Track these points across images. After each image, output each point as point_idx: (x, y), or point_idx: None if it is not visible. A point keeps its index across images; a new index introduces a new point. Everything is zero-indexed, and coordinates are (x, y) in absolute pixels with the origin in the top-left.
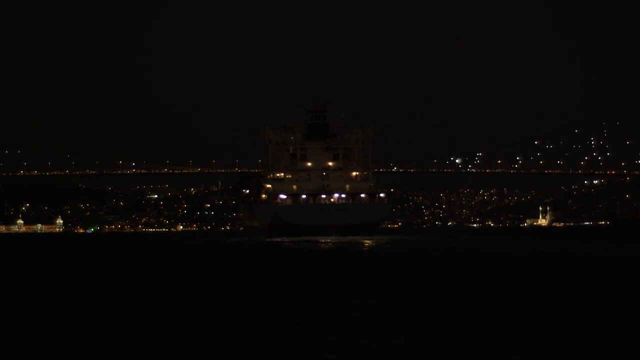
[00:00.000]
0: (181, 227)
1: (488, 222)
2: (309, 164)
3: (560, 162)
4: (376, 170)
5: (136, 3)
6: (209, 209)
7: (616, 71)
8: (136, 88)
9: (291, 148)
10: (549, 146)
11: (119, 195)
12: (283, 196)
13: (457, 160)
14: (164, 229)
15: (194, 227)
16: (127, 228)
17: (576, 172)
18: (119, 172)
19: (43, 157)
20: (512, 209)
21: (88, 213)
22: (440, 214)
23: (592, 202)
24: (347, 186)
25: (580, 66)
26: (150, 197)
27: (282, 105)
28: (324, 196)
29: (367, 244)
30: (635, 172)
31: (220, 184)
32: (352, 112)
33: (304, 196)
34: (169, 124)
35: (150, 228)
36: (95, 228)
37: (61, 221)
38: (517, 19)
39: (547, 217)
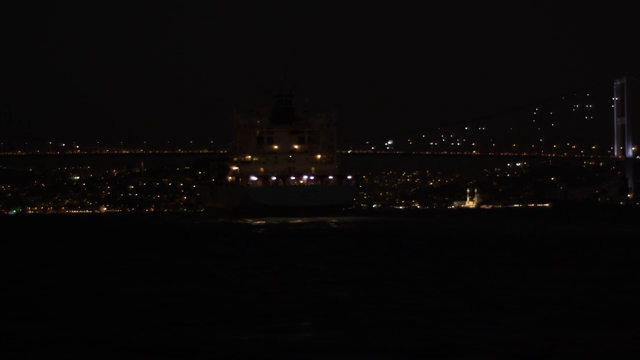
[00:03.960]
0: (105, 208)
1: (414, 204)
2: (276, 147)
3: (494, 144)
4: (340, 152)
5: None
6: (132, 191)
7: (548, 52)
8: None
9: (258, 131)
10: (480, 128)
11: (41, 177)
12: (254, 178)
13: (389, 142)
14: (87, 211)
15: (118, 209)
16: (50, 210)
17: (500, 154)
18: (56, 153)
19: None
20: (436, 191)
21: (9, 195)
22: (364, 195)
23: (517, 185)
24: (313, 169)
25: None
26: (72, 179)
27: (241, 86)
28: (293, 178)
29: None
30: (563, 154)
31: (143, 164)
32: (315, 94)
33: (273, 178)
34: (83, 105)
35: (74, 210)
36: (18, 210)
37: None
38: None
39: (475, 199)
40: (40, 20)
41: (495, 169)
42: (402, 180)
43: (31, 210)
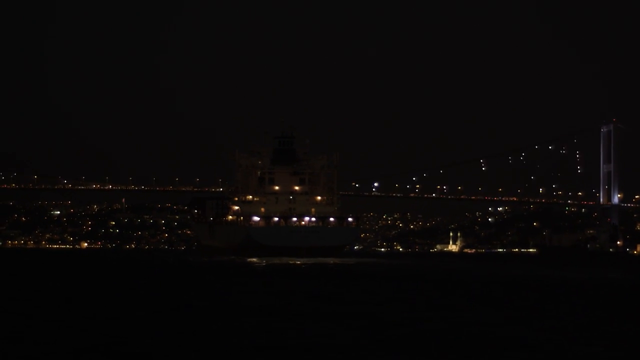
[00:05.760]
0: (86, 244)
1: (396, 246)
2: (277, 187)
3: (460, 188)
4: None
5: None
6: (113, 227)
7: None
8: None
9: (259, 172)
10: (467, 172)
11: (21, 211)
12: (256, 218)
13: (375, 184)
14: (68, 246)
15: (98, 245)
16: (31, 244)
17: (486, 199)
18: (59, 187)
19: None
20: (417, 234)
21: None
22: None
23: (499, 229)
24: (313, 209)
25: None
26: (53, 213)
27: (232, 126)
28: (294, 219)
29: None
30: (552, 199)
31: (124, 200)
32: (316, 136)
33: (275, 218)
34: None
35: (54, 244)
36: None
37: None
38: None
39: (458, 242)
40: (32, 53)
41: (477, 213)
42: (383, 222)
43: (11, 244)
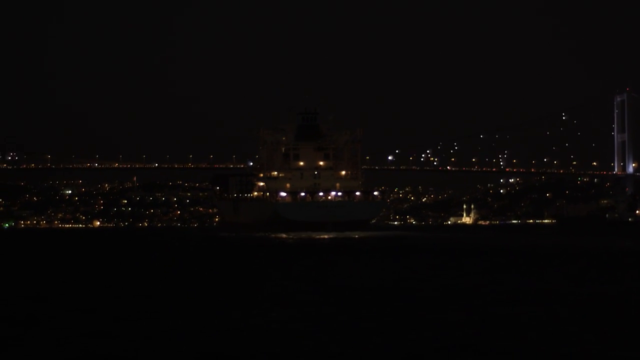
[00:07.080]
0: (98, 223)
1: (409, 220)
2: (301, 163)
3: (480, 160)
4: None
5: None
6: (126, 205)
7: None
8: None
9: (283, 148)
10: (481, 144)
11: (33, 191)
12: (283, 194)
13: (389, 157)
14: (80, 225)
15: (111, 224)
16: (43, 224)
17: (498, 170)
18: (75, 166)
19: None
20: (430, 207)
21: (1, 208)
22: None
23: (512, 201)
24: (338, 184)
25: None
26: (64, 193)
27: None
28: (321, 194)
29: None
30: (570, 169)
31: (135, 179)
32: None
33: (302, 194)
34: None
35: (67, 224)
36: (10, 224)
37: None
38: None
39: (472, 215)
40: (39, 36)
41: (489, 185)
42: (395, 195)
43: (24, 224)
